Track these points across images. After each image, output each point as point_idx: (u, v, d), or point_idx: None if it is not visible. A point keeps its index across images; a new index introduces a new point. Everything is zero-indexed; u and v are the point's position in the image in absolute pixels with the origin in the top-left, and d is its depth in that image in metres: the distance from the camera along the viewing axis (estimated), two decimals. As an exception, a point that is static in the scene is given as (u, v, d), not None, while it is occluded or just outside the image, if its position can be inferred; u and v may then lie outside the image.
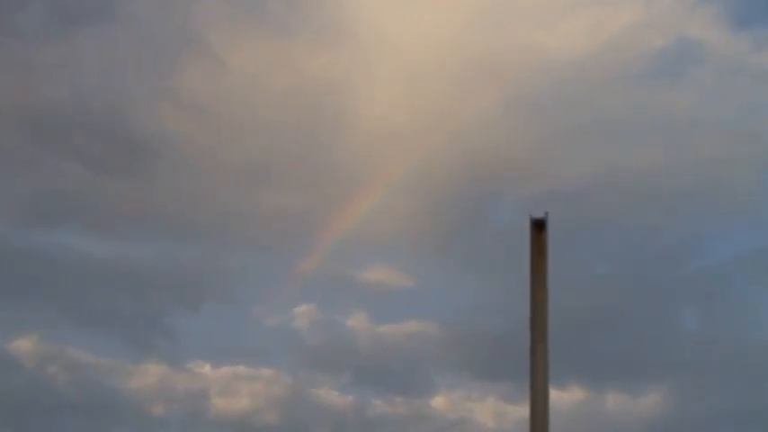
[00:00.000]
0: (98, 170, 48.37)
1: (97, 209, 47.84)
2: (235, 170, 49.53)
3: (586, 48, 49.01)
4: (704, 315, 46.68)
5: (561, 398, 41.19)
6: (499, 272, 43.10)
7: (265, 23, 50.62)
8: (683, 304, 46.73)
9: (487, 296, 45.33)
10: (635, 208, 47.99)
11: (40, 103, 47.23)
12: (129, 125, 48.02)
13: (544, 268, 14.17)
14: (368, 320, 48.01)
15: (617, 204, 48.14)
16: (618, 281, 46.16)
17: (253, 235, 49.20)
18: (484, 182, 48.89)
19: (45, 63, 48.19)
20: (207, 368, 44.62)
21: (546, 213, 14.41)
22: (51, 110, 47.13)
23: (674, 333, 44.74)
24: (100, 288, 45.93)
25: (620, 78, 50.19)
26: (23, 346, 43.08)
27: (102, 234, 47.90)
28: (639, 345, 43.50)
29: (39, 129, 47.70)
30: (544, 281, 14.14)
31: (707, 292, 45.81)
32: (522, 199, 46.31)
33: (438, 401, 44.86)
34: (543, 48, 48.88)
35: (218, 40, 48.83)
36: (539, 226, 14.42)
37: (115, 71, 50.76)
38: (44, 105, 47.14)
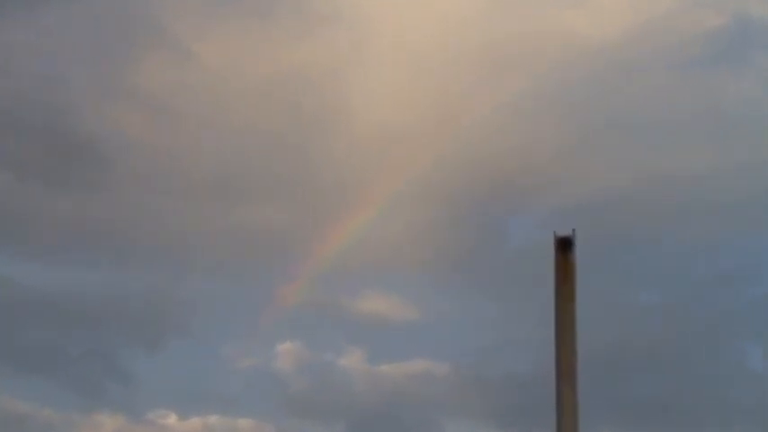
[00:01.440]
0: (34, 180, 48.64)
1: (33, 228, 48.01)
2: (201, 181, 49.87)
3: (624, 30, 49.44)
4: (766, 350, 46.80)
5: (594, 447, 41.22)
6: (520, 301, 43.26)
7: (239, 6, 51.11)
8: (743, 338, 46.90)
9: (507, 330, 45.32)
10: (683, 222, 48.22)
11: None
12: (73, 126, 48.23)
13: (571, 295, 14.37)
14: (364, 359, 48.20)
15: (661, 218, 48.31)
16: (663, 310, 46.26)
17: (223, 258, 49.33)
18: (501, 193, 49.21)
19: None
20: (172, 419, 44.60)
21: (573, 230, 14.62)
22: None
23: (734, 372, 44.85)
24: (38, 324, 46.02)
25: (665, 67, 50.65)
26: (-54, 394, 43.28)
27: (40, 259, 47.95)
28: (689, 386, 43.49)
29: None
30: (571, 310, 14.35)
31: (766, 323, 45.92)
32: (547, 213, 46.62)
33: (450, 455, 45.11)
34: (572, 32, 49.33)
35: (182, 26, 49.32)
36: (564, 245, 14.63)
37: (55, 61, 51.22)
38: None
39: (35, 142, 47.95)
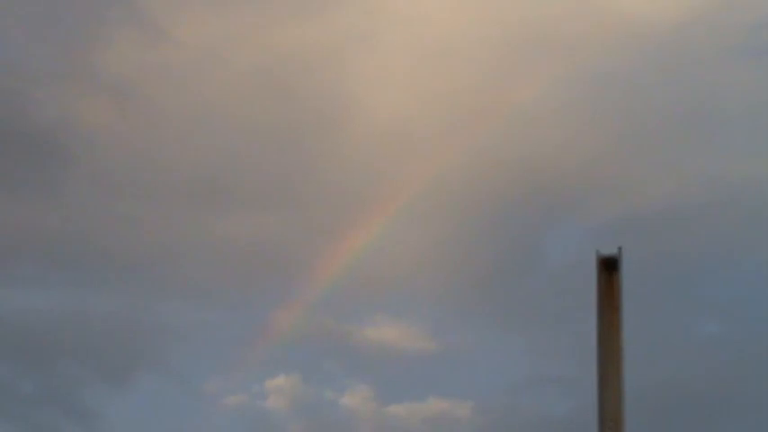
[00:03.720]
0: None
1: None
2: (179, 183, 50.10)
3: (681, 11, 49.54)
4: None
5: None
6: (556, 331, 43.46)
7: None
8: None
9: (539, 365, 45.68)
10: (753, 240, 48.22)
11: None
12: (26, 116, 48.36)
13: (617, 325, 14.45)
14: (371, 398, 48.08)
15: (725, 235, 48.40)
16: (727, 343, 46.27)
17: (205, 277, 49.63)
18: (533, 203, 49.35)
19: None
20: (143, 467, 45.02)
21: (619, 249, 14.71)
22: None
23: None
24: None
25: (730, 55, 50.70)
26: None
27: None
28: (759, 427, 43.54)
29: None
30: (617, 343, 14.42)
31: None
32: (589, 227, 46.69)
33: None
34: (620, 13, 49.49)
35: (156, 1, 49.47)
36: (609, 266, 14.70)
37: (7, 40, 51.45)
38: None
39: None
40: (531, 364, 46.47)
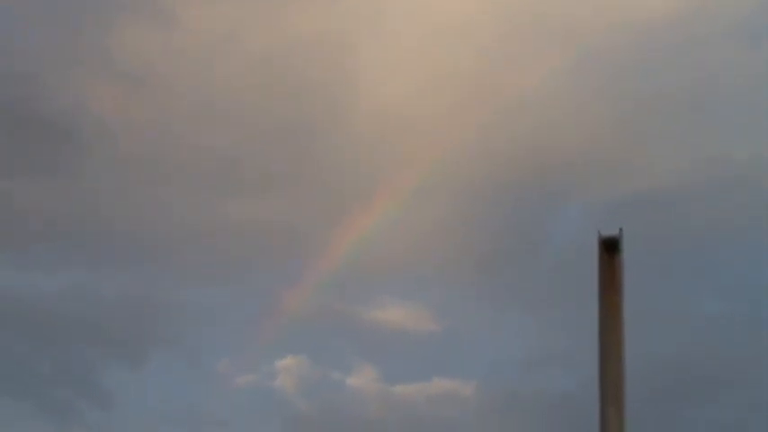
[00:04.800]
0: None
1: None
2: (190, 169, 50.03)
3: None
4: None
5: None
6: (559, 310, 43.33)
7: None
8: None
9: (543, 344, 45.67)
10: (756, 220, 47.99)
11: None
12: (39, 103, 48.19)
13: (617, 303, 14.45)
14: (377, 378, 48.41)
15: (728, 215, 48.15)
16: (731, 323, 46.00)
17: (216, 260, 49.59)
18: (538, 185, 49.25)
19: None
20: (156, 444, 45.17)
21: (620, 230, 14.66)
22: None
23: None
24: (1, 335, 46.20)
25: (731, 37, 50.37)
26: None
27: (3, 257, 48.31)
28: (750, 411, 43.48)
29: None
30: (617, 320, 14.43)
31: None
32: (592, 208, 46.55)
33: (476, 489, 45.54)
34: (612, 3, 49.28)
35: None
36: (610, 247, 14.67)
37: (15, 24, 51.07)
38: None
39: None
40: (533, 344, 46.54)
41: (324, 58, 49.64)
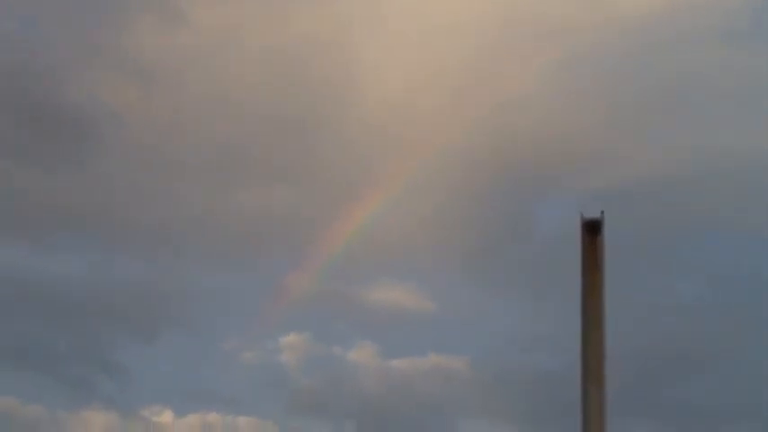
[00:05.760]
0: (15, 158, 48.49)
1: (13, 211, 47.88)
2: (200, 159, 49.76)
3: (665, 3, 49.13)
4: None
5: (623, 450, 41.25)
6: (545, 292, 43.14)
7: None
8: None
9: (530, 324, 45.53)
10: (724, 210, 47.94)
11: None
12: (57, 97, 48.14)
13: (598, 284, 14.18)
14: (376, 354, 48.28)
15: (707, 203, 47.99)
16: (702, 307, 46.11)
17: (224, 243, 49.47)
18: (527, 175, 49.10)
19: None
20: (168, 416, 44.85)
21: (602, 212, 14.44)
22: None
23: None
24: (23, 316, 46.18)
25: (708, 39, 50.21)
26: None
27: (23, 246, 48.18)
28: (722, 388, 43.45)
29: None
30: (598, 301, 14.16)
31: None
32: (578, 197, 46.29)
33: (467, 457, 45.39)
34: (601, 1, 49.10)
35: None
36: (592, 229, 14.43)
37: (38, 26, 51.16)
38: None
39: (10, 115, 48.06)
40: (521, 324, 46.50)
41: (325, 54, 49.61)
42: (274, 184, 50.50)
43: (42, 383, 45.27)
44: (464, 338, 48.56)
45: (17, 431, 43.09)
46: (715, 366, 44.21)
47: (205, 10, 49.01)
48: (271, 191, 50.38)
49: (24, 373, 45.19)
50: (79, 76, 48.99)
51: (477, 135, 47.90)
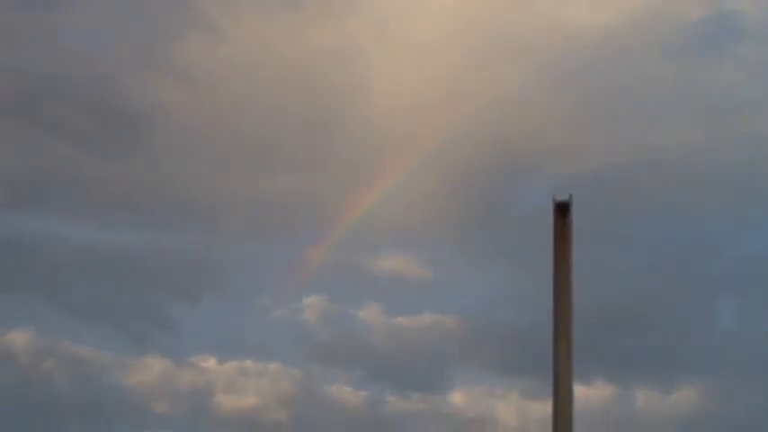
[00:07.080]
0: (86, 148, 48.67)
1: (86, 192, 48.11)
2: (236, 149, 49.76)
3: (617, 19, 48.90)
4: (742, 310, 46.54)
5: (587, 394, 41.43)
6: (524, 261, 42.93)
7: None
8: (719, 298, 46.73)
9: (510, 287, 45.39)
10: (671, 192, 47.85)
11: (17, 73, 47.31)
12: (118, 98, 48.28)
13: (568, 255, 14.23)
14: (382, 312, 48.31)
15: (651, 188, 47.96)
16: (652, 273, 46.05)
17: (256, 220, 49.35)
18: (508, 163, 48.93)
19: (22, 29, 48.37)
20: (212, 362, 45.28)
21: (570, 196, 14.48)
22: (29, 80, 47.22)
23: (709, 329, 44.76)
24: (92, 278, 46.55)
25: (655, 53, 50.02)
26: (17, 339, 43.77)
27: (92, 220, 48.15)
28: (671, 340, 43.49)
29: (15, 101, 47.92)
30: (567, 269, 14.22)
31: (745, 286, 45.62)
32: (552, 182, 46.17)
33: (456, 398, 45.24)
34: (569, 20, 48.86)
35: (216, 8, 49.11)
36: (562, 209, 14.46)
37: (102, 39, 51.35)
38: (21, 76, 47.19)
39: (82, 113, 48.13)
40: (504, 287, 46.43)
41: (340, 63, 49.45)
42: (298, 171, 50.37)
43: (111, 335, 46.01)
44: (455, 299, 48.71)
45: (93, 373, 43.97)
46: (666, 321, 44.45)
47: (242, 26, 49.28)
48: (295, 176, 50.27)
49: (97, 327, 45.94)
50: (137, 81, 49.27)
51: (468, 129, 47.84)
